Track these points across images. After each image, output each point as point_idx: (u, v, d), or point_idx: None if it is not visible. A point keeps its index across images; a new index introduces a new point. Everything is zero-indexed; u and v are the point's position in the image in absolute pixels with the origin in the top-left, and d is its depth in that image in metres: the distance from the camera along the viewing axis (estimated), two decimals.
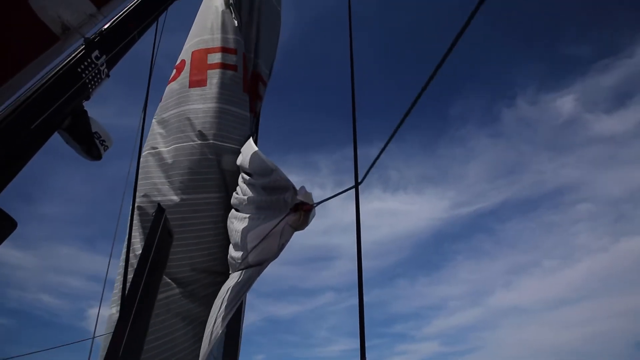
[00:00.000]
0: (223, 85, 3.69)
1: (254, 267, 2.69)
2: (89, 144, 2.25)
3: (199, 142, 3.47)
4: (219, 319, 2.60)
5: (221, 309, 2.65)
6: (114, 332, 1.90)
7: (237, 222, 3.03)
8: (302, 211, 2.38)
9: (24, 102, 1.89)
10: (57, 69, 2.04)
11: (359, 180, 1.52)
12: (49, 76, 2.00)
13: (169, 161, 3.41)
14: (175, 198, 3.25)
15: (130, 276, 2.05)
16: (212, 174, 3.42)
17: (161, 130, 3.52)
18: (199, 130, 3.48)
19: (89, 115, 2.28)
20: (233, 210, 3.23)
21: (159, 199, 3.20)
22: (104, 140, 2.32)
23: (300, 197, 2.36)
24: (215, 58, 3.82)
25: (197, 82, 3.74)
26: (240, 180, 3.25)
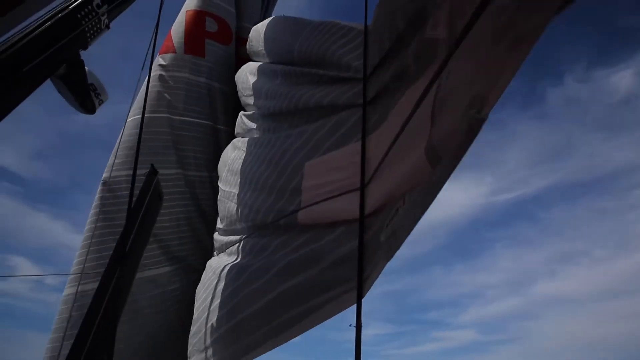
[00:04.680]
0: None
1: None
2: (83, 95, 2.14)
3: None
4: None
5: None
6: (94, 294, 1.82)
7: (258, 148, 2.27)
8: None
9: (18, 42, 1.77)
10: (56, 10, 1.91)
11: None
12: (47, 17, 1.88)
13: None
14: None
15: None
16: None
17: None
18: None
19: (86, 66, 2.17)
20: (236, 141, 2.88)
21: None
22: (99, 94, 2.22)
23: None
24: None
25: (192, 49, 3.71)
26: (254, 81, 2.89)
